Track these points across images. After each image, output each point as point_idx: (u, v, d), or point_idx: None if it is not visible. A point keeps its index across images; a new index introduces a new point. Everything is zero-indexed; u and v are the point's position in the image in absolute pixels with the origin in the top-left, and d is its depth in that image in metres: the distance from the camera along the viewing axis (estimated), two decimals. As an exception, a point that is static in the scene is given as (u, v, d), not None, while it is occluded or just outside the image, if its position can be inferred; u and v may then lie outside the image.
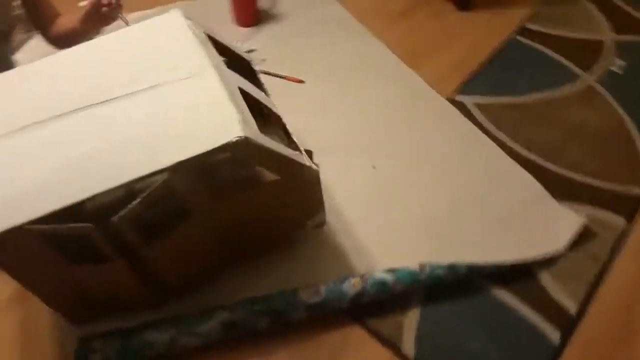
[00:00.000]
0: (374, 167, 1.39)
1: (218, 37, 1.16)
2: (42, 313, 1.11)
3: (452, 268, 1.14)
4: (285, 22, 1.84)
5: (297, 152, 1.00)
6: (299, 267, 1.17)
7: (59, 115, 0.95)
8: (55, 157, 0.89)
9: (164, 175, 0.86)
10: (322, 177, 1.05)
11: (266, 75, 1.61)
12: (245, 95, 1.00)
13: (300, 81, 1.60)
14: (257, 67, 1.23)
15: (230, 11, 1.79)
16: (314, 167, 1.03)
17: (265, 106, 1.08)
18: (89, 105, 0.96)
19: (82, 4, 1.32)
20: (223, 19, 1.80)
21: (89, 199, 0.84)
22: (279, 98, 1.16)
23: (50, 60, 1.07)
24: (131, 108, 0.95)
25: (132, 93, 0.96)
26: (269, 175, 0.99)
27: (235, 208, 1.01)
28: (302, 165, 1.00)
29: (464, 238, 1.22)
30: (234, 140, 0.86)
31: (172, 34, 1.08)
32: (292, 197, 1.06)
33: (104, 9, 1.30)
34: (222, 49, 1.17)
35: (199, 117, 0.92)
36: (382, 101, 1.55)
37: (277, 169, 0.98)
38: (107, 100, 0.96)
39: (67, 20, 1.41)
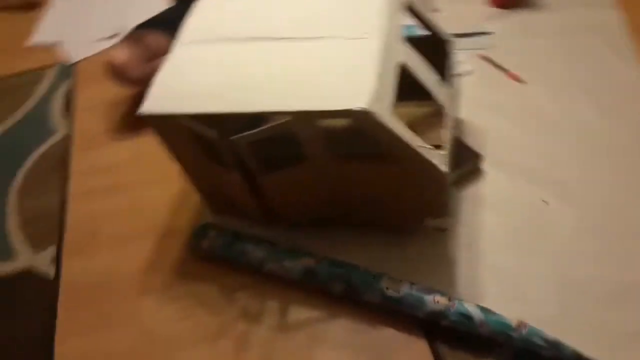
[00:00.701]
0: (544, 202, 1.22)
1: (421, 10, 1.14)
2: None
3: (555, 345, 0.98)
4: (542, 15, 1.65)
5: (427, 147, 0.96)
6: (398, 258, 1.14)
7: (250, 38, 1.08)
8: (230, 70, 1.03)
9: (286, 117, 0.93)
10: (481, 189, 0.99)
11: (486, 63, 1.52)
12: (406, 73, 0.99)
13: (521, 81, 1.46)
14: (481, 51, 1.19)
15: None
16: (444, 168, 0.98)
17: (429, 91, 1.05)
18: (269, 38, 1.06)
19: None
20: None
21: (227, 114, 0.96)
22: (484, 89, 1.10)
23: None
24: (295, 50, 1.02)
25: (300, 38, 1.03)
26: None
27: (349, 174, 1.03)
28: (427, 162, 0.96)
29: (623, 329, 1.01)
30: (355, 109, 0.87)
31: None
32: (412, 189, 1.03)
33: None
34: (423, 21, 1.16)
35: (342, 77, 0.94)
36: (605, 136, 1.32)
37: (399, 156, 0.95)
38: (281, 38, 1.05)
39: None
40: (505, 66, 1.50)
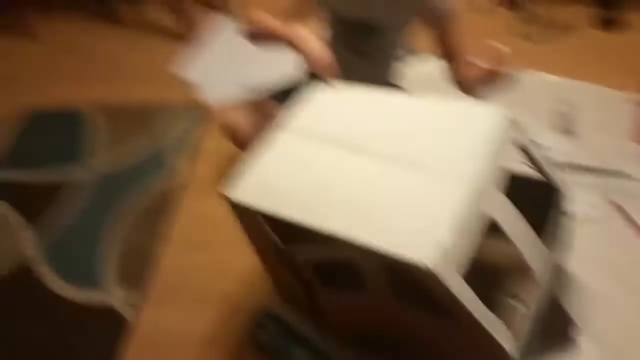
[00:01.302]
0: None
1: (535, 154, 1.05)
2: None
3: None
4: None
5: (492, 318, 0.88)
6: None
7: (346, 146, 1.08)
8: (315, 176, 1.04)
9: (352, 248, 0.91)
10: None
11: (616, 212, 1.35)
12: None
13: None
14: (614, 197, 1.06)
15: (633, 124, 1.51)
16: (509, 349, 0.89)
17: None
18: (364, 151, 1.06)
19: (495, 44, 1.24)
20: (617, 129, 1.53)
21: (296, 223, 0.98)
22: (603, 241, 1.02)
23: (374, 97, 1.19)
24: (382, 174, 1.00)
25: (392, 159, 1.02)
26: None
27: (405, 316, 0.98)
28: (488, 335, 0.88)
29: None
30: (418, 264, 0.83)
31: (473, 128, 1.03)
32: (468, 356, 0.95)
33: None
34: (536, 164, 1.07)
35: (418, 221, 0.90)
36: None
37: (460, 319, 0.88)
38: (374, 154, 1.03)
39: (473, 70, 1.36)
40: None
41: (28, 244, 1.62)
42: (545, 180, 1.11)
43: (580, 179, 1.47)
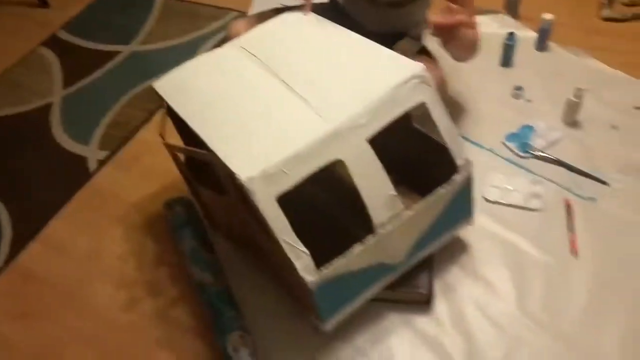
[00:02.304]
0: None
1: (438, 116, 1.06)
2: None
3: None
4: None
5: (296, 246, 0.95)
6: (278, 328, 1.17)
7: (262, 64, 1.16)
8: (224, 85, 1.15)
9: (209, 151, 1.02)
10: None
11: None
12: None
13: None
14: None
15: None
16: (308, 278, 0.96)
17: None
18: (273, 72, 1.13)
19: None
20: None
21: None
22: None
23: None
24: (276, 97, 1.09)
25: (292, 88, 1.09)
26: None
27: (250, 224, 1.08)
28: (290, 262, 0.96)
29: None
30: (238, 177, 0.92)
31: (380, 77, 1.05)
32: (290, 275, 1.04)
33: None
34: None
35: (269, 142, 0.97)
36: None
37: (273, 240, 0.97)
38: (281, 80, 1.11)
39: None
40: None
41: (56, 88, 1.94)
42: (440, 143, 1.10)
43: (549, 170, 1.41)
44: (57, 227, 1.51)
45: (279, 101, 1.07)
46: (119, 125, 1.79)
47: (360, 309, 1.12)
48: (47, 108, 1.90)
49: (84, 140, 1.75)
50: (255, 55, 1.19)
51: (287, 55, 1.18)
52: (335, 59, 1.14)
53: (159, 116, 1.75)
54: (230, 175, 0.94)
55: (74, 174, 1.64)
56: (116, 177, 1.62)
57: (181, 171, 1.21)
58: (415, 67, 1.04)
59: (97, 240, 1.45)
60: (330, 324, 1.08)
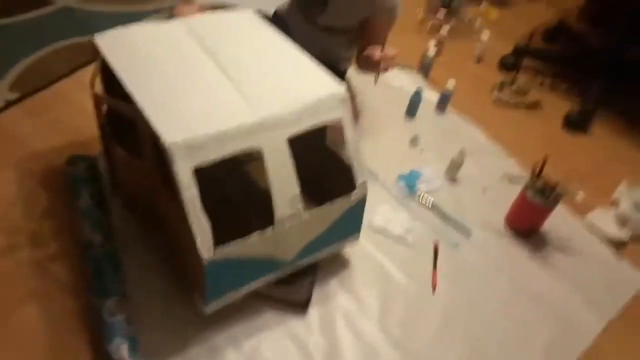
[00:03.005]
0: None
1: (348, 135, 1.12)
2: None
3: None
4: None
5: (203, 220, 0.95)
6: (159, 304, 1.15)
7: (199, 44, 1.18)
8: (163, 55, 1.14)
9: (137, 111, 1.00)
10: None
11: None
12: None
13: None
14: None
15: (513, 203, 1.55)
16: (204, 254, 0.97)
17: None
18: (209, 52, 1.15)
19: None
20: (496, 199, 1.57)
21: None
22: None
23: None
24: (214, 77, 1.10)
25: (229, 73, 1.12)
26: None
27: (159, 194, 1.06)
28: (190, 235, 0.95)
29: None
30: (162, 140, 0.91)
31: (309, 86, 1.12)
32: (187, 250, 1.03)
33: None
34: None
35: (199, 116, 0.98)
36: None
37: (182, 210, 0.96)
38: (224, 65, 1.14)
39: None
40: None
41: None
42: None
43: (426, 213, 1.54)
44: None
45: (214, 82, 1.09)
46: (37, 72, 1.67)
47: (240, 302, 1.14)
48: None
49: (-5, 76, 1.61)
50: (200, 37, 1.20)
51: (230, 45, 1.20)
52: (273, 61, 1.19)
53: (81, 73, 1.67)
54: (154, 137, 0.93)
55: (-24, 108, 1.51)
56: (22, 121, 1.50)
57: (100, 125, 1.16)
58: (338, 87, 1.11)
59: (-16, 179, 1.33)
60: (212, 307, 1.08)
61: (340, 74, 1.62)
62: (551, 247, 1.51)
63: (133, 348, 1.03)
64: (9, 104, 1.53)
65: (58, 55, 1.75)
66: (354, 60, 1.68)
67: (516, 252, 1.48)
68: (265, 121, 0.99)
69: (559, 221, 1.55)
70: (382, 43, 1.46)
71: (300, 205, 1.07)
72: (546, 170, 1.47)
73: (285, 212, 1.05)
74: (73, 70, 1.68)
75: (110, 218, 1.26)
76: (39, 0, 1.95)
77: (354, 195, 1.16)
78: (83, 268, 1.17)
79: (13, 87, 1.59)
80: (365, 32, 1.56)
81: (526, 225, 1.51)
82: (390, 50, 1.42)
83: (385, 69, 1.43)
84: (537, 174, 1.46)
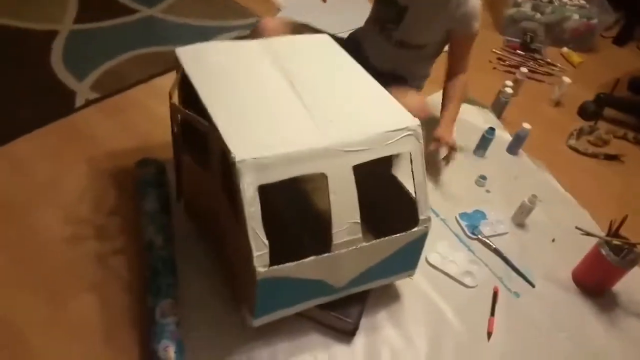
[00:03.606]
0: None
1: (417, 170, 1.10)
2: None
3: None
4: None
5: (260, 236, 0.96)
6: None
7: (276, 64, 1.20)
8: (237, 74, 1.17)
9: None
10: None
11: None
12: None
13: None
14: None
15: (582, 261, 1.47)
16: (258, 266, 0.96)
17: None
18: (284, 70, 1.18)
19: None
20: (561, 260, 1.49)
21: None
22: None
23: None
24: (285, 98, 1.13)
25: (298, 95, 1.13)
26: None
27: (221, 204, 1.08)
28: (248, 246, 0.95)
29: None
30: (232, 155, 0.93)
31: (382, 118, 1.11)
32: (240, 261, 1.04)
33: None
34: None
35: (268, 135, 1.00)
36: None
37: (241, 224, 0.97)
38: (289, 82, 1.16)
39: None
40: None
41: (67, 20, 1.92)
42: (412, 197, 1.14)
43: (488, 256, 1.48)
44: (23, 146, 1.46)
45: (286, 103, 1.10)
46: (116, 76, 1.76)
47: (288, 320, 1.12)
48: (52, 34, 1.85)
49: (79, 76, 1.71)
50: (277, 58, 1.22)
51: (305, 68, 1.21)
52: (347, 87, 1.19)
53: (156, 81, 1.74)
54: (224, 151, 0.95)
55: (58, 104, 1.60)
56: (98, 120, 1.58)
57: (173, 133, 1.19)
58: (412, 121, 1.10)
59: (58, 172, 1.40)
60: (259, 322, 1.07)
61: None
62: (622, 310, 1.41)
63: (179, 351, 1.05)
64: (89, 103, 1.61)
65: (137, 62, 1.83)
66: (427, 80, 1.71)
67: (582, 310, 1.40)
68: (333, 147, 1.00)
69: (634, 283, 1.45)
70: (465, 59, 1.54)
71: (359, 234, 1.05)
72: (624, 228, 1.38)
73: (342, 239, 1.03)
74: (150, 78, 1.76)
75: (172, 222, 1.28)
76: (125, 9, 2.07)
77: (415, 231, 1.13)
78: (141, 267, 1.19)
79: (94, 88, 1.68)
80: (449, 49, 1.60)
81: (596, 283, 1.42)
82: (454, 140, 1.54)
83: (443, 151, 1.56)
84: (614, 231, 1.37)
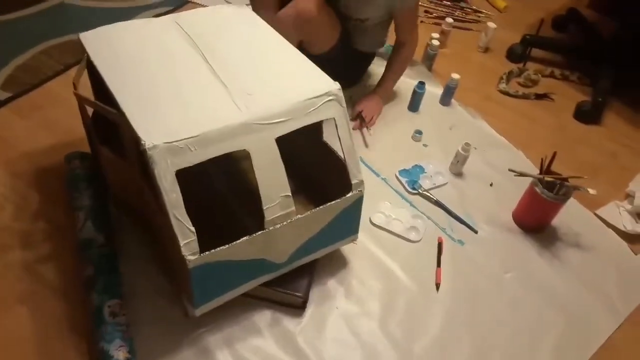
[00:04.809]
0: None
1: (342, 131, 1.06)
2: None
3: None
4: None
5: (185, 223, 0.90)
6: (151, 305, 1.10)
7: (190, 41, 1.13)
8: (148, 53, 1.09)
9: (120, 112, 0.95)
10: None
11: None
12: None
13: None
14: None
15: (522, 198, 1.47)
16: (188, 254, 0.91)
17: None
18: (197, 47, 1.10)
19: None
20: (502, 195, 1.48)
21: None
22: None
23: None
24: (201, 74, 1.06)
25: (213, 67, 1.06)
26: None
27: (142, 191, 1.01)
28: (174, 236, 0.90)
29: None
30: (142, 142, 0.86)
31: (302, 84, 1.05)
32: (172, 252, 0.98)
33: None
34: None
35: (180, 117, 0.93)
36: None
37: (162, 207, 0.91)
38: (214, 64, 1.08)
39: None
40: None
41: None
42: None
43: (430, 209, 1.47)
44: None
45: (201, 81, 1.03)
46: (29, 70, 1.62)
47: (234, 302, 1.08)
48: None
49: (-14, 77, 1.57)
50: (190, 33, 1.14)
51: (221, 42, 1.14)
52: (266, 58, 1.13)
53: (74, 70, 1.61)
54: (135, 139, 0.88)
55: (-34, 108, 1.47)
56: (12, 121, 1.46)
57: (85, 125, 1.11)
58: (332, 85, 1.04)
59: (-27, 180, 1.29)
60: (200, 310, 1.03)
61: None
62: (562, 243, 1.43)
63: (132, 351, 1.00)
64: (0, 105, 1.49)
65: (51, 52, 1.70)
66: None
67: (525, 249, 1.41)
68: (252, 121, 0.94)
69: (570, 216, 1.47)
70: (407, 31, 1.62)
71: (291, 206, 1.00)
72: (557, 163, 1.39)
73: (275, 214, 0.99)
74: (66, 68, 1.64)
75: (111, 218, 1.20)
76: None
77: (350, 196, 1.10)
78: (75, 269, 1.12)
79: (5, 87, 1.55)
80: (394, 21, 1.64)
81: (535, 220, 1.44)
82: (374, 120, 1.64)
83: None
84: (546, 168, 1.38)
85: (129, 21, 1.19)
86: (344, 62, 1.58)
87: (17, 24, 1.79)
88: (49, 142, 1.41)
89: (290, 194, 1.00)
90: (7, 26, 1.77)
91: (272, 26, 1.21)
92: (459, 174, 1.59)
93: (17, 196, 1.28)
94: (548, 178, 1.35)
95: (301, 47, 1.48)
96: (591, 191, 1.35)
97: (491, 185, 1.57)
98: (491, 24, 2.10)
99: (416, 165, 1.58)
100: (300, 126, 1.00)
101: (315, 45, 1.51)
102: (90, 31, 1.13)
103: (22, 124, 1.46)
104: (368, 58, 1.77)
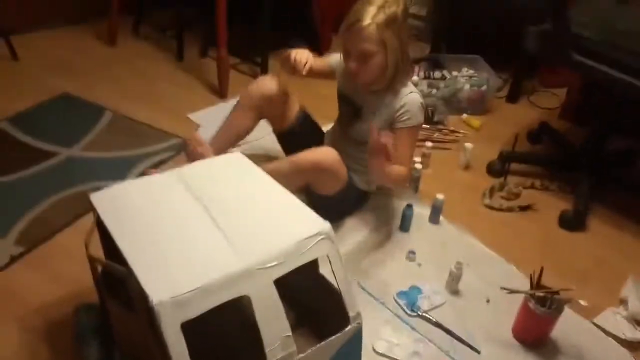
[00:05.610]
0: None
1: (336, 267, 1.12)
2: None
3: None
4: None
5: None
6: None
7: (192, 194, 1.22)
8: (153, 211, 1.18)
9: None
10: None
11: None
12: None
13: None
14: None
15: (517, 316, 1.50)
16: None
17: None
18: (198, 198, 1.19)
19: None
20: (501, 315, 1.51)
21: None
22: None
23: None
24: (199, 226, 1.13)
25: (214, 218, 1.14)
26: None
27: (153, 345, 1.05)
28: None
29: None
30: (150, 300, 0.92)
31: (292, 227, 1.13)
32: None
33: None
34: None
35: (184, 269, 1.00)
36: None
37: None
38: (203, 205, 1.17)
39: None
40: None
41: None
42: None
43: (432, 331, 1.49)
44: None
45: (202, 231, 1.11)
46: (41, 223, 1.71)
47: None
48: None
49: (1, 233, 1.66)
50: (190, 185, 1.24)
51: (218, 191, 1.24)
52: (260, 203, 1.22)
53: (82, 221, 1.71)
54: (143, 295, 0.94)
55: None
56: (24, 276, 1.52)
57: (96, 283, 1.17)
58: (323, 224, 1.13)
59: (-15, 338, 1.32)
60: None
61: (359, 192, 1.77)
62: (565, 357, 1.44)
63: None
64: (13, 259, 1.56)
65: (61, 205, 1.80)
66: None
67: (528, 365, 1.41)
68: (250, 267, 1.00)
69: (569, 327, 1.49)
70: (403, 154, 1.60)
71: (293, 346, 1.04)
72: (547, 273, 1.44)
73: (277, 355, 1.02)
74: (75, 219, 1.73)
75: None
76: (43, 153, 2.05)
77: (348, 330, 1.13)
78: None
79: (18, 241, 1.63)
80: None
81: (533, 335, 1.45)
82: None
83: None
84: (536, 283, 1.42)
85: (136, 180, 1.29)
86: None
87: (25, 181, 1.91)
88: (58, 294, 1.46)
89: (290, 334, 1.03)
90: (15, 184, 1.89)
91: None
92: (455, 292, 1.62)
93: (28, 354, 1.30)
94: (539, 293, 1.39)
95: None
96: (582, 302, 1.38)
97: (488, 301, 1.60)
98: (468, 145, 2.25)
99: (413, 286, 1.62)
100: (296, 266, 1.07)
101: (323, 189, 1.64)
102: (99, 192, 1.23)
103: (33, 277, 1.51)
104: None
